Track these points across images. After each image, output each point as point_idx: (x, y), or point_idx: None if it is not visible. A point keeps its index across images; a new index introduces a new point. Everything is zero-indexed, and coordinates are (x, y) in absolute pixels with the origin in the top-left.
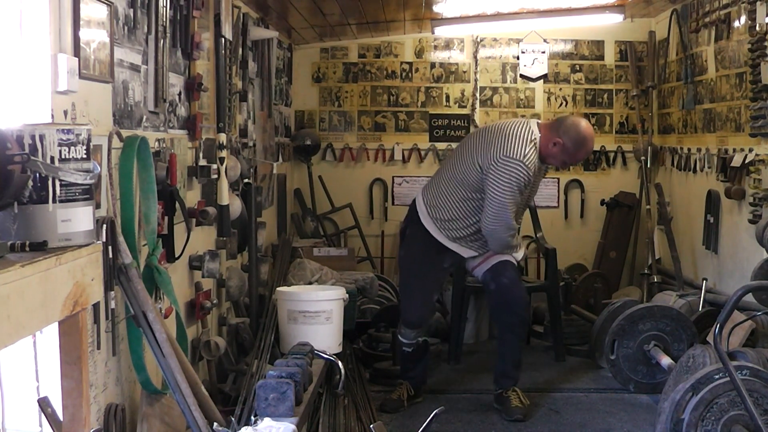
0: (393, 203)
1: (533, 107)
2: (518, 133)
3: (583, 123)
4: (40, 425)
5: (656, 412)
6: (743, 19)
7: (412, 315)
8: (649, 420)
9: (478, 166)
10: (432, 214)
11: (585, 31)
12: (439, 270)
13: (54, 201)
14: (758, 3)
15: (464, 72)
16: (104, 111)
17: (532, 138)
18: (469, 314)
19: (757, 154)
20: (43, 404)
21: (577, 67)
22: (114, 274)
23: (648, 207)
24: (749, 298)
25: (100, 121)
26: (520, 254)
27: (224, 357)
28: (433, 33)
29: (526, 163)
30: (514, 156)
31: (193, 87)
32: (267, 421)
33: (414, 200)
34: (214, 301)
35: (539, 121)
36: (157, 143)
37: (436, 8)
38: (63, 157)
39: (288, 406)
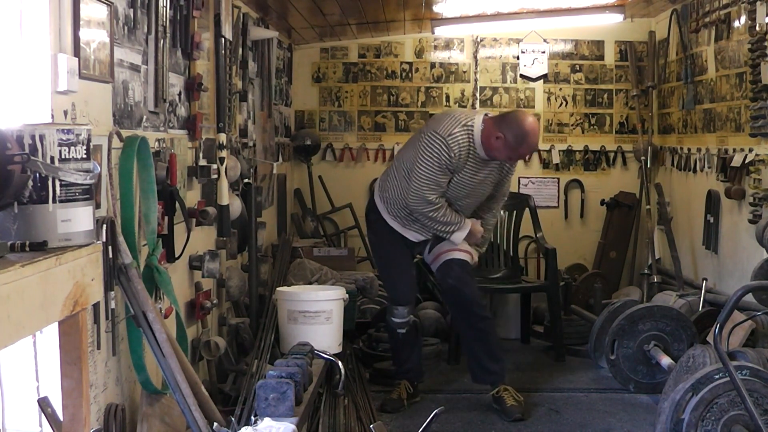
0: None
1: (533, 107)
2: (454, 116)
3: (528, 119)
4: (40, 425)
5: (656, 412)
6: (743, 19)
7: (400, 291)
8: (649, 420)
9: (417, 145)
10: (381, 195)
11: (585, 31)
12: (405, 249)
13: (54, 201)
14: (758, 3)
15: (464, 72)
16: (104, 111)
17: (467, 124)
18: None
19: (757, 154)
20: (43, 404)
21: (577, 67)
22: (114, 274)
23: (648, 207)
24: (749, 298)
25: (100, 121)
26: (459, 236)
27: (224, 357)
28: (433, 33)
29: (449, 142)
30: (439, 132)
31: (193, 87)
32: (267, 421)
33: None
34: (214, 301)
35: (488, 114)
36: (157, 143)
37: (436, 8)
38: (63, 157)
39: (288, 406)
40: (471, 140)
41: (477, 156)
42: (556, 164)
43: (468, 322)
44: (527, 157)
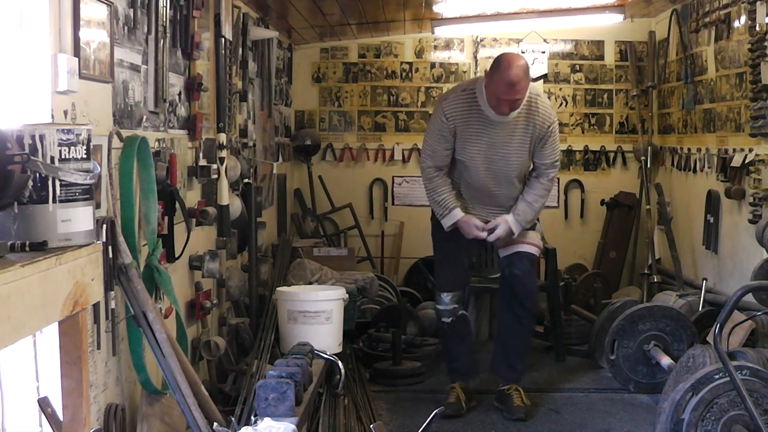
0: (393, 203)
1: None
2: (459, 84)
3: (507, 54)
4: (40, 425)
5: (656, 412)
6: (743, 19)
7: (445, 276)
8: (649, 420)
9: None
10: None
11: (585, 31)
12: (464, 240)
13: (54, 201)
14: (758, 3)
15: (464, 72)
16: (104, 111)
17: (467, 88)
18: (469, 314)
19: (757, 154)
20: (43, 404)
21: (577, 67)
22: (114, 274)
23: (648, 207)
24: (749, 298)
25: (100, 121)
26: (445, 221)
27: (224, 357)
28: (433, 33)
29: (444, 108)
30: (440, 100)
31: (193, 87)
32: (267, 421)
33: None
34: (214, 301)
35: None
36: (157, 143)
37: (436, 8)
38: (63, 157)
39: (288, 406)
40: (473, 101)
41: (485, 117)
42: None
43: (516, 315)
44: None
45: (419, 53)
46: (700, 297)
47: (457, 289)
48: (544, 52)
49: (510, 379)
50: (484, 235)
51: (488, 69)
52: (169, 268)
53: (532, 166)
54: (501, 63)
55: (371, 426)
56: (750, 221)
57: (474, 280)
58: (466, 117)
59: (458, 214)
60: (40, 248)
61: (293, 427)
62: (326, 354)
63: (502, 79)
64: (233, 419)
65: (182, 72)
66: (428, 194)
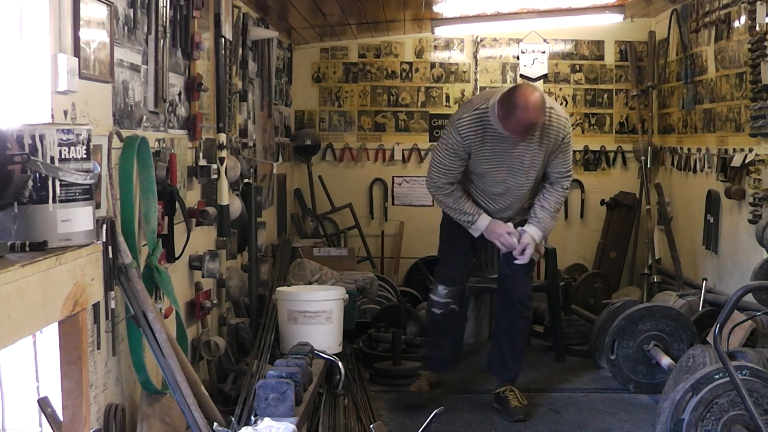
0: (393, 203)
1: None
2: (470, 101)
3: (520, 91)
4: (40, 425)
5: (656, 412)
6: (743, 19)
7: (446, 270)
8: (649, 420)
9: None
10: None
11: (585, 31)
12: (469, 240)
13: (54, 201)
14: (758, 3)
15: (464, 72)
16: (104, 111)
17: (480, 107)
18: (469, 314)
19: (757, 154)
20: (43, 404)
21: (577, 67)
22: (114, 274)
23: (648, 207)
24: (749, 298)
25: (100, 121)
26: (474, 229)
27: (224, 357)
28: (433, 33)
29: (457, 127)
30: (453, 119)
31: (193, 87)
32: (267, 421)
33: None
34: (214, 301)
35: None
36: (157, 143)
37: (436, 8)
38: (63, 157)
39: (288, 406)
40: (486, 121)
41: (499, 135)
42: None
43: (509, 315)
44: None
45: (419, 53)
46: (700, 297)
47: (455, 284)
48: (544, 52)
49: (505, 379)
50: (516, 237)
51: (502, 102)
52: (169, 268)
53: (544, 175)
54: (517, 104)
55: (371, 426)
56: (750, 221)
57: (474, 280)
58: (480, 135)
59: (486, 218)
60: (40, 248)
61: (293, 427)
62: (326, 354)
63: (520, 122)
64: (233, 419)
65: (182, 72)
66: (449, 208)
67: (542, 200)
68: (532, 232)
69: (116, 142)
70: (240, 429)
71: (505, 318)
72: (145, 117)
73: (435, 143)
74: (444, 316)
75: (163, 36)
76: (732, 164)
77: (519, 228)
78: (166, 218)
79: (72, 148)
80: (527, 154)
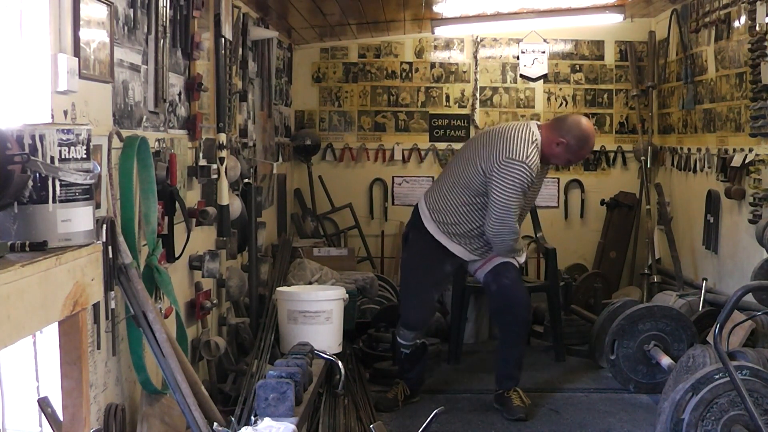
0: (393, 203)
1: (533, 107)
2: (520, 135)
3: (584, 120)
4: (40, 425)
5: (656, 412)
6: (743, 19)
7: (411, 317)
8: (649, 420)
9: (481, 169)
10: (435, 217)
11: (585, 31)
12: (441, 273)
13: (54, 201)
14: (758, 3)
15: (464, 72)
16: (104, 111)
17: (534, 139)
18: (469, 314)
19: (757, 154)
20: (43, 404)
21: (577, 67)
22: (114, 274)
23: (648, 207)
24: (749, 298)
25: (100, 121)
26: (522, 257)
27: (224, 357)
28: (433, 33)
29: (529, 165)
30: (518, 158)
31: (193, 87)
32: (267, 421)
33: (417, 204)
34: (214, 301)
35: (539, 123)
36: (157, 143)
37: (436, 8)
38: (63, 157)
39: (288, 406)
40: (539, 154)
41: (539, 167)
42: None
43: (512, 324)
44: None
45: (419, 53)
46: (700, 297)
47: (421, 327)
48: (544, 52)
49: (509, 387)
50: None
51: (560, 128)
52: (169, 268)
53: None
54: (588, 134)
55: (371, 426)
56: (750, 221)
57: (473, 280)
58: (538, 169)
59: (523, 243)
60: (40, 248)
61: (293, 427)
62: (326, 354)
63: (590, 148)
64: (233, 419)
65: (182, 72)
66: (513, 249)
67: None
68: None
69: (116, 142)
70: (240, 429)
71: (508, 329)
72: (145, 117)
73: (498, 189)
74: (412, 353)
75: (163, 36)
76: (732, 164)
77: None
78: (166, 218)
79: (72, 148)
80: (542, 180)
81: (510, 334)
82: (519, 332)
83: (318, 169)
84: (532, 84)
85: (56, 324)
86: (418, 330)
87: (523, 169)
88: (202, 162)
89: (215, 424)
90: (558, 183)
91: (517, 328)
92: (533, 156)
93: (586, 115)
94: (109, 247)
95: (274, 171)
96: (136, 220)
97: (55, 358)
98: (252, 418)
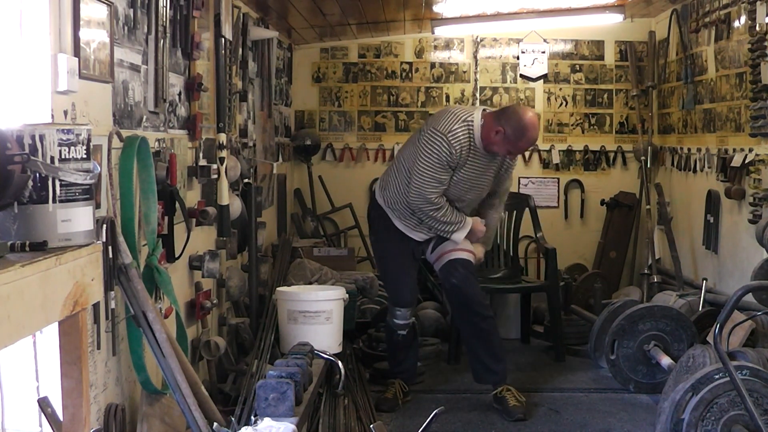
0: None
1: (533, 107)
2: (454, 113)
3: (528, 113)
4: (40, 425)
5: (656, 412)
6: (743, 19)
7: (403, 293)
8: (649, 420)
9: (418, 141)
10: (383, 195)
11: (585, 31)
12: (408, 250)
13: (54, 201)
14: (758, 3)
15: (464, 72)
16: (104, 111)
17: (467, 119)
18: None
19: (757, 154)
20: (43, 404)
21: (577, 67)
22: (114, 274)
23: (648, 207)
24: (749, 298)
25: (100, 121)
26: (459, 235)
27: (224, 357)
28: (433, 33)
29: (450, 139)
30: (440, 130)
31: (193, 87)
32: (267, 421)
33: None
34: (214, 301)
35: (486, 109)
36: (157, 143)
37: (436, 8)
38: (63, 157)
39: (288, 406)
40: (471, 136)
41: (477, 151)
42: (556, 164)
43: (471, 321)
44: (527, 153)
45: (419, 53)
46: (700, 297)
47: (413, 302)
48: (544, 52)
49: (495, 382)
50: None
51: (500, 116)
52: (169, 268)
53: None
54: (527, 125)
55: (371, 426)
56: (750, 221)
57: None
58: (466, 151)
59: (468, 220)
60: (40, 248)
61: (293, 427)
62: (326, 354)
63: (529, 141)
64: (233, 419)
65: (182, 72)
66: (436, 221)
67: (493, 210)
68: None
69: (116, 142)
70: (240, 429)
71: (468, 325)
72: (145, 117)
73: (418, 158)
74: (407, 335)
75: (163, 36)
76: (732, 164)
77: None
78: (166, 218)
79: (72, 148)
80: (491, 170)
81: (470, 328)
82: (480, 326)
83: (318, 169)
84: (532, 84)
85: (56, 324)
86: (412, 306)
87: (442, 141)
88: (202, 162)
89: (215, 424)
90: (558, 183)
91: (477, 324)
92: (458, 133)
93: (585, 115)
94: (109, 247)
95: (274, 171)
96: (136, 220)
97: (55, 358)
98: (252, 418)
